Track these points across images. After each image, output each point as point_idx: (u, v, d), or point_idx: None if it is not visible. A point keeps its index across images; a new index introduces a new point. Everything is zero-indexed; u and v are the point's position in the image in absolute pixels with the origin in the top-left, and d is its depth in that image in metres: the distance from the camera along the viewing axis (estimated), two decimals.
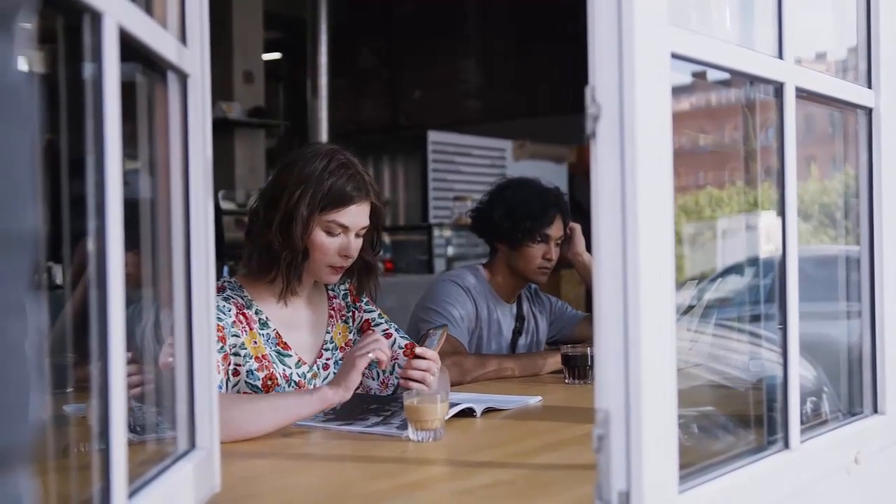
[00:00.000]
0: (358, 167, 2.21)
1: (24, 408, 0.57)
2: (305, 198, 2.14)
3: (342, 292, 2.41)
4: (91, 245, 0.99)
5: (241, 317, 2.16)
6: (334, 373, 2.28)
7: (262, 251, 2.19)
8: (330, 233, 2.18)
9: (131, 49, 1.09)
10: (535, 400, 2.33)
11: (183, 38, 1.33)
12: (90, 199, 1.00)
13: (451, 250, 7.45)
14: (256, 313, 2.21)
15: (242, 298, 2.21)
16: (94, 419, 1.47)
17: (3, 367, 0.55)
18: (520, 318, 3.11)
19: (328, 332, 2.34)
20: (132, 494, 1.08)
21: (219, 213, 4.40)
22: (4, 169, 0.55)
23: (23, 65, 0.60)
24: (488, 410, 2.16)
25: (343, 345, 2.35)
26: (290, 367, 2.21)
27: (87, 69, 0.99)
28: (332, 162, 2.17)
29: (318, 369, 2.28)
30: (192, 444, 1.35)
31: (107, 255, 0.99)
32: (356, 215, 2.19)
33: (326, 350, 2.33)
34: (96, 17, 0.97)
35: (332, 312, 2.37)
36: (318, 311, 2.35)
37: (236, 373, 2.13)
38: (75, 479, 1.20)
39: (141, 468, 1.20)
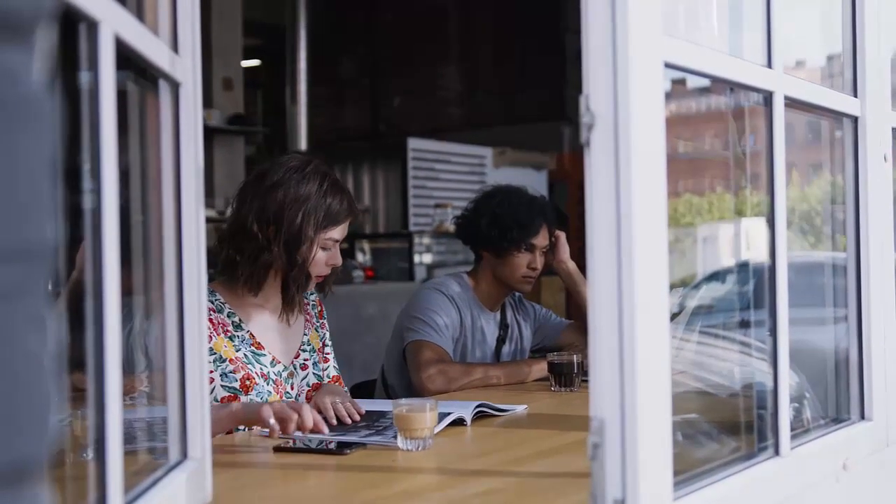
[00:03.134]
0: (342, 183, 2.33)
1: (44, 420, 0.57)
2: (310, 220, 2.21)
3: (312, 301, 2.48)
4: (86, 253, 0.99)
5: (207, 322, 2.18)
6: (314, 373, 2.38)
7: (259, 266, 2.22)
8: (325, 248, 2.27)
9: (124, 57, 1.08)
10: (521, 408, 2.33)
11: (175, 46, 1.32)
12: (83, 207, 0.99)
13: (431, 258, 7.44)
14: (229, 316, 2.25)
15: (213, 302, 2.23)
16: (80, 428, 1.45)
17: (25, 380, 0.55)
18: (504, 326, 3.11)
19: (305, 335, 2.40)
20: None
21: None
22: (26, 180, 0.54)
23: (42, 76, 0.59)
24: (479, 415, 2.16)
25: (317, 349, 2.42)
26: (265, 366, 2.25)
27: (83, 77, 0.98)
28: (325, 181, 2.26)
29: (296, 369, 2.34)
30: (184, 455, 1.34)
31: (103, 264, 0.98)
32: (345, 229, 2.31)
33: (304, 351, 2.39)
34: (93, 26, 0.97)
35: (308, 317, 2.44)
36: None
37: (209, 381, 2.15)
38: (67, 490, 1.19)
39: (132, 479, 1.19)
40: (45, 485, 0.58)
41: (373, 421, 2.11)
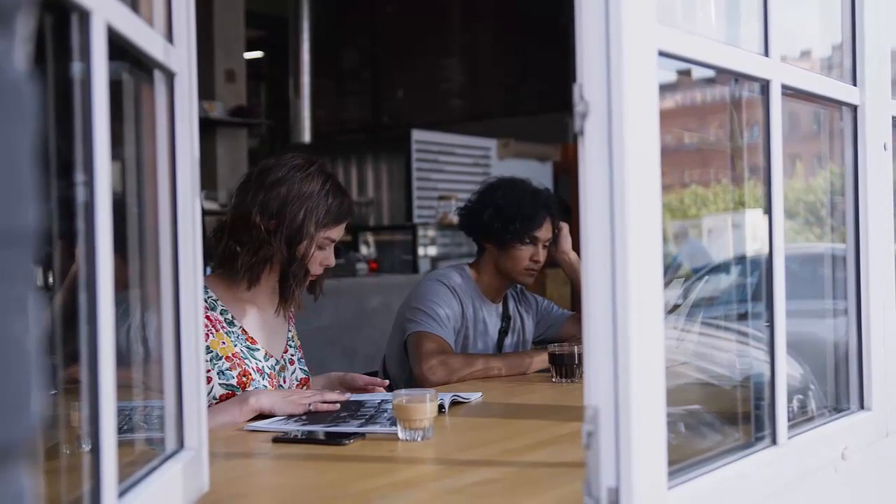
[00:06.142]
0: (343, 186, 2.37)
1: (26, 404, 0.58)
2: (311, 217, 2.24)
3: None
4: (80, 247, 0.99)
5: (204, 320, 2.19)
6: (300, 368, 2.42)
7: (258, 259, 2.23)
8: (321, 247, 2.30)
9: (118, 47, 1.08)
10: (476, 396, 2.35)
11: (170, 36, 1.32)
12: (78, 200, 0.99)
13: (435, 250, 7.43)
14: (221, 313, 2.27)
15: (206, 300, 2.23)
16: (77, 420, 1.46)
17: (6, 364, 0.56)
18: (506, 317, 3.11)
19: (290, 331, 2.44)
20: (122, 494, 1.07)
21: (201, 213, 4.46)
22: (7, 166, 0.55)
23: (23, 63, 0.59)
24: (454, 403, 2.21)
25: (297, 346, 2.47)
26: (259, 361, 2.28)
27: (75, 68, 0.98)
28: (328, 182, 2.29)
29: (286, 363, 2.38)
30: (181, 444, 1.35)
31: (96, 256, 0.98)
32: (342, 230, 2.34)
33: (290, 346, 2.43)
34: (84, 16, 0.97)
35: (291, 314, 2.47)
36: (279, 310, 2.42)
37: (207, 380, 2.15)
38: (60, 480, 1.19)
39: (128, 468, 1.19)
40: (27, 467, 0.58)
41: (354, 411, 2.11)
